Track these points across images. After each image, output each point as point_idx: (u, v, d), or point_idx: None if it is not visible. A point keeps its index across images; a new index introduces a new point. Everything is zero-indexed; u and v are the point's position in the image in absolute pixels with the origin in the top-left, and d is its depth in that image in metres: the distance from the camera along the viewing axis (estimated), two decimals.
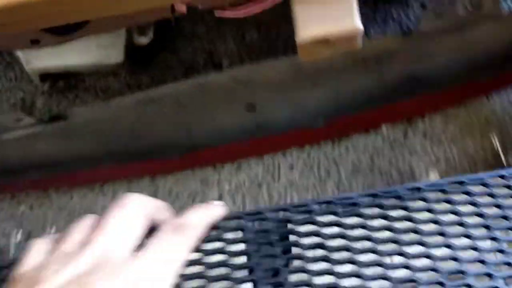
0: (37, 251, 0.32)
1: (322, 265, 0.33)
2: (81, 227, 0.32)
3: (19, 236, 0.83)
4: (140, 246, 0.31)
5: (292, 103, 0.79)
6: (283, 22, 0.95)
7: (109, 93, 1.05)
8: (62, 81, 1.08)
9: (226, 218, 0.35)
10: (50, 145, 0.84)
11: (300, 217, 0.35)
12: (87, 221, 0.33)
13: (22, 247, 0.80)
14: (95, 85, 1.06)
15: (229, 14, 0.60)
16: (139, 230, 0.32)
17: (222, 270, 0.33)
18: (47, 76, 1.08)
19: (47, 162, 0.88)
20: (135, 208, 0.32)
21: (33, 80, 1.08)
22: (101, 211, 0.34)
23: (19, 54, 0.95)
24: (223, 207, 0.36)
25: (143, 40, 0.95)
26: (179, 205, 0.87)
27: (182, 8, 0.56)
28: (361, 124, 0.80)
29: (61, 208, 1.02)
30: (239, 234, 0.34)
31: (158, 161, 0.84)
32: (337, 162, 0.83)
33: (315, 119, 0.79)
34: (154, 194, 0.89)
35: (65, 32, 0.52)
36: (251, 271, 0.33)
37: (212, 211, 0.35)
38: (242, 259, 0.33)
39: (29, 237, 0.92)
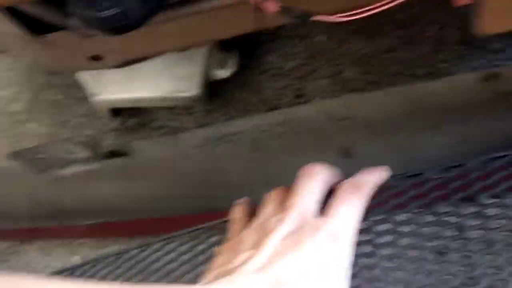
0: (241, 218, 0.40)
1: None
2: (276, 195, 0.39)
3: None
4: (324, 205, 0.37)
5: (401, 151, 0.62)
6: (388, 57, 0.80)
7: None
8: (134, 119, 0.99)
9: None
10: (109, 185, 0.73)
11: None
12: (279, 190, 0.40)
13: None
14: (167, 124, 0.95)
15: (334, 18, 0.45)
16: (323, 192, 0.38)
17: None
18: (118, 113, 0.99)
19: (105, 205, 0.77)
20: (318, 175, 0.39)
21: (103, 116, 1.00)
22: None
23: (86, 85, 0.87)
24: (387, 171, 0.40)
25: (223, 73, 0.83)
26: None
27: (270, 8, 0.42)
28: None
29: None
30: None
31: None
32: None
33: None
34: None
35: (128, 27, 0.40)
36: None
37: (379, 173, 0.40)
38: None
39: None
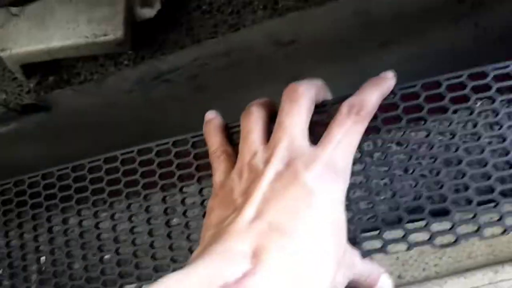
0: (225, 168, 0.35)
1: None
2: (258, 115, 0.34)
3: None
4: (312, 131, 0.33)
5: (351, 73, 0.57)
6: None
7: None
8: (52, 76, 0.89)
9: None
10: (26, 144, 0.63)
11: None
12: (260, 106, 0.35)
13: None
14: (92, 78, 0.86)
15: None
16: (309, 115, 0.33)
17: None
18: (33, 71, 0.88)
19: (24, 167, 0.67)
20: (304, 98, 0.33)
21: (16, 76, 0.88)
22: None
23: None
24: (393, 79, 0.34)
25: (148, 12, 0.75)
26: None
27: None
28: None
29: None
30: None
31: None
32: None
33: None
34: None
35: None
36: None
37: (385, 86, 0.34)
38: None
39: None
